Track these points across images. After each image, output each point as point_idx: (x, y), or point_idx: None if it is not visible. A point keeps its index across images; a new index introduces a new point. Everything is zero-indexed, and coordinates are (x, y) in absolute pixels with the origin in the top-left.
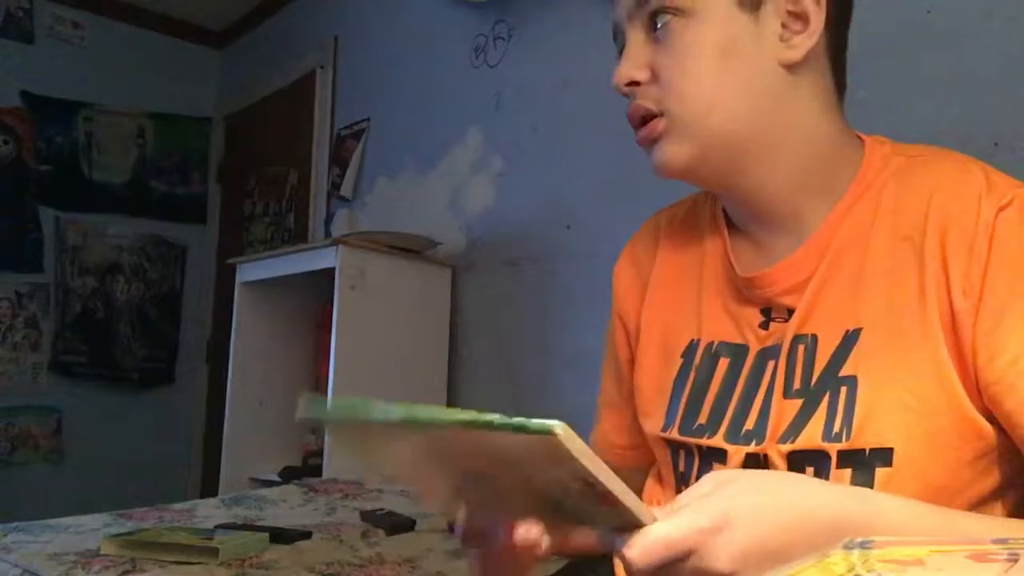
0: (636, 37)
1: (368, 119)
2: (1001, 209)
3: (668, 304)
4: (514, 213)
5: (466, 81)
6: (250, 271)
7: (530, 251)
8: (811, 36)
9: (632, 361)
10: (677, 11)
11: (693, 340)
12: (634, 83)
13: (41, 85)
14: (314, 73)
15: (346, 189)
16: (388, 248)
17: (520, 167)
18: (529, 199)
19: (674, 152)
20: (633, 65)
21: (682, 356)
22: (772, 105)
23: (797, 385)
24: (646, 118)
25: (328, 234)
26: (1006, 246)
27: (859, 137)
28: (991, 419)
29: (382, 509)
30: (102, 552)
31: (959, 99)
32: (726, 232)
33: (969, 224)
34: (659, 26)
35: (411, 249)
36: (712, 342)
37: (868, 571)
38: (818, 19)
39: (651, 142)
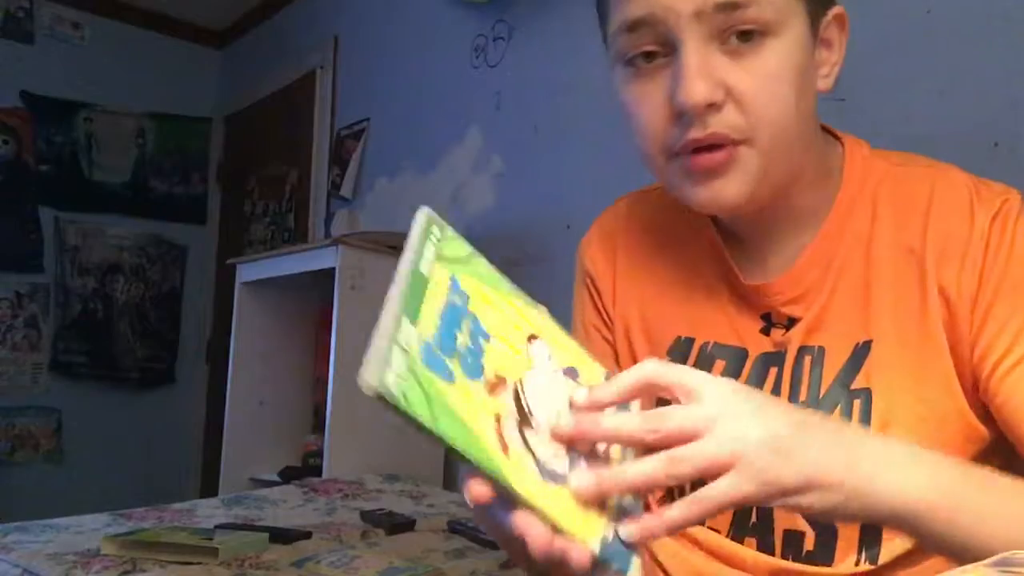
0: (700, 45)
1: (368, 119)
2: (994, 218)
3: (647, 293)
4: (514, 213)
5: (466, 81)
6: (250, 271)
7: (530, 251)
8: (838, 64)
9: (606, 325)
10: (766, 29)
11: (681, 337)
12: (711, 105)
13: (41, 85)
14: (314, 73)
15: (346, 189)
16: (388, 248)
17: (520, 167)
18: (529, 199)
19: (739, 188)
20: (712, 83)
21: (668, 353)
22: (813, 132)
23: (803, 397)
24: (718, 144)
25: (328, 234)
26: (998, 252)
27: (830, 132)
28: (984, 420)
29: (382, 509)
30: (102, 552)
31: (959, 99)
32: (715, 233)
33: (964, 234)
34: (741, 41)
35: None
36: (707, 343)
37: None
38: (842, 45)
39: (716, 173)
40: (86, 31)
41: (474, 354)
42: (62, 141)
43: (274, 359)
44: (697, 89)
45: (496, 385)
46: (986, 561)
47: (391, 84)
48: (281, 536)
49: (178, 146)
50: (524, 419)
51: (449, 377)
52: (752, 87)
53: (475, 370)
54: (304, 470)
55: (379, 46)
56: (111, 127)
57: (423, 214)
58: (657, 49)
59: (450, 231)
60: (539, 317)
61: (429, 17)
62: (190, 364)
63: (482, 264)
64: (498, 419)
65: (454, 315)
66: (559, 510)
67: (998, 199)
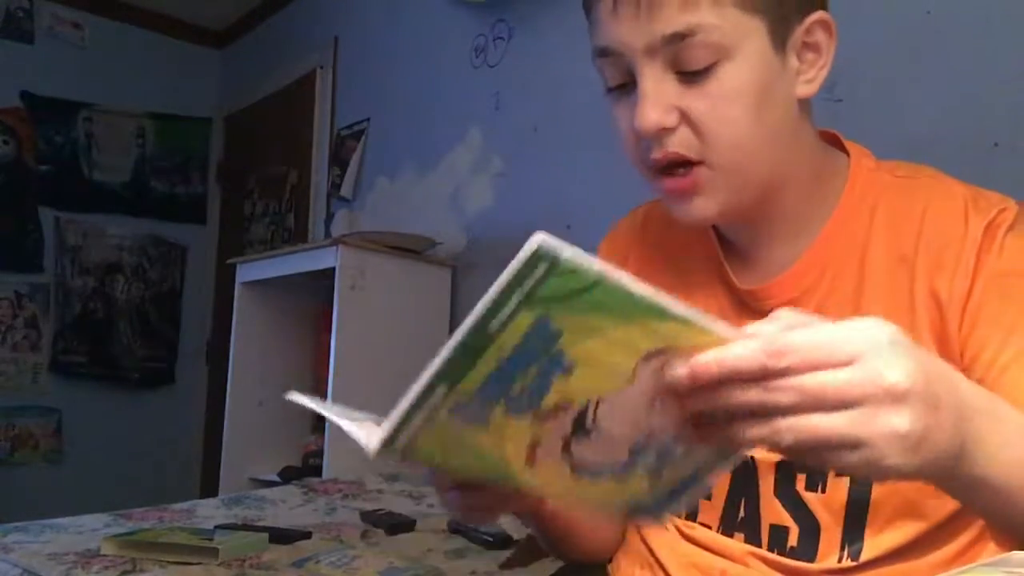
0: (655, 74)
1: (368, 119)
2: (988, 226)
3: None
4: (514, 213)
5: (466, 81)
6: (250, 271)
7: None
8: (825, 67)
9: None
10: (718, 55)
11: None
12: (664, 129)
13: (41, 85)
14: (314, 73)
15: (346, 189)
16: (388, 248)
17: (520, 167)
18: (529, 199)
19: (708, 206)
20: (663, 109)
21: None
22: (792, 139)
23: None
24: (677, 164)
25: (328, 234)
26: (988, 257)
27: (836, 139)
28: None
29: (382, 509)
30: (102, 552)
31: (959, 99)
32: (713, 238)
33: (958, 240)
34: (693, 67)
35: (411, 249)
36: None
37: None
38: (830, 49)
39: (685, 195)
40: (86, 31)
41: (534, 393)
42: (62, 141)
43: (274, 359)
44: (649, 116)
45: (553, 413)
46: (986, 561)
47: (391, 84)
48: (281, 536)
49: (178, 146)
50: (578, 430)
51: (482, 422)
52: (704, 111)
53: (526, 406)
54: (304, 470)
55: (379, 46)
56: (111, 127)
57: (532, 245)
58: (625, 77)
59: (568, 261)
60: (687, 330)
61: (429, 17)
62: (190, 364)
63: (608, 290)
64: (534, 444)
65: (519, 363)
66: (588, 491)
67: (994, 209)
